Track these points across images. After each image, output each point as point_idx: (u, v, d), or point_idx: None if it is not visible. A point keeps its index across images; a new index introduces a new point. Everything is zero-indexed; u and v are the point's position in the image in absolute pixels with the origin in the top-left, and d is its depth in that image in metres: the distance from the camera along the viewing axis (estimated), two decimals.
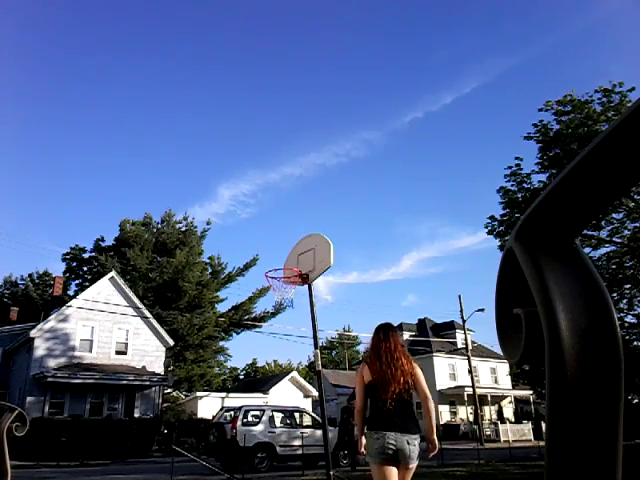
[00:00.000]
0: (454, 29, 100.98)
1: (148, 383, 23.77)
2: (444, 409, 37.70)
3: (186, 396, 33.29)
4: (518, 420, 36.43)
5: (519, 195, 17.60)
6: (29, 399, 21.77)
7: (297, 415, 16.57)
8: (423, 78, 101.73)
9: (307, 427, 15.98)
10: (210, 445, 15.71)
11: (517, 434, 31.96)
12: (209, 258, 39.48)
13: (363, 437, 3.84)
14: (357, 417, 3.91)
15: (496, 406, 38.78)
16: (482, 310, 30.86)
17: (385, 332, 3.98)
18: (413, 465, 3.66)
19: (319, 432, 14.32)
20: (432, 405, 3.86)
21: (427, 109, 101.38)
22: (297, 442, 15.04)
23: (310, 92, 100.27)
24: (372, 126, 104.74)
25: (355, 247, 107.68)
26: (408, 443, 3.60)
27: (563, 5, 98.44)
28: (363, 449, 3.85)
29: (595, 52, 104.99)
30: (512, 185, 17.79)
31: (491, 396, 37.72)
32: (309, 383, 36.25)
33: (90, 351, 24.04)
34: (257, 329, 41.75)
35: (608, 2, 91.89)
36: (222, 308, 38.92)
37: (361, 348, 76.38)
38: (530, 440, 30.69)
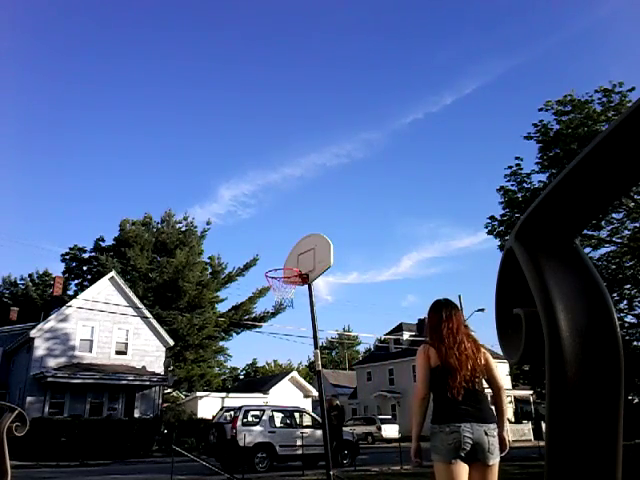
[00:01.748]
0: (455, 30, 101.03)
1: (148, 383, 23.77)
2: None
3: (186, 396, 33.28)
4: (518, 420, 36.43)
5: (519, 195, 17.61)
6: (29, 399, 21.76)
7: (297, 415, 16.57)
8: (424, 79, 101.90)
9: (307, 427, 15.97)
10: (210, 445, 15.71)
11: (517, 434, 31.97)
12: (209, 258, 39.51)
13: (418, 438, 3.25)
14: (419, 407, 3.24)
15: None
16: (482, 310, 30.84)
17: (448, 310, 3.38)
18: (494, 461, 3.11)
19: (319, 432, 14.32)
20: (506, 399, 3.48)
21: (427, 110, 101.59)
22: (297, 442, 15.03)
23: (310, 93, 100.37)
24: (372, 127, 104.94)
25: (355, 247, 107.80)
26: (486, 434, 3.10)
27: (563, 6, 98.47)
28: (414, 450, 3.25)
29: (595, 53, 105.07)
30: (512, 185, 17.81)
31: (491, 396, 37.63)
32: (309, 383, 36.24)
33: (90, 351, 24.03)
34: (257, 329, 41.80)
35: (608, 3, 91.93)
36: (222, 308, 38.97)
37: (361, 348, 76.50)
38: (530, 440, 30.71)
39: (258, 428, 15.05)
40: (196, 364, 36.49)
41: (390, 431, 33.35)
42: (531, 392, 33.41)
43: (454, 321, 3.34)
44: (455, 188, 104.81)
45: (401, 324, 44.07)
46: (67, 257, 40.43)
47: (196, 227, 39.65)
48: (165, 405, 27.34)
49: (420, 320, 44.81)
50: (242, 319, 37.52)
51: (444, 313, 3.36)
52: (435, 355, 3.25)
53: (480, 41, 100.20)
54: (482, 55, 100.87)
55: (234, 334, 39.41)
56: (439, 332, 3.30)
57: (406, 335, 42.45)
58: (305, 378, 42.61)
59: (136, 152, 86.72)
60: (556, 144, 16.84)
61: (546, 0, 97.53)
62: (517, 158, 17.47)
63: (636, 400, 23.45)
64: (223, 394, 31.71)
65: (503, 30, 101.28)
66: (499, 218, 18.18)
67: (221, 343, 39.87)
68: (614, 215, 16.78)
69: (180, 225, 39.38)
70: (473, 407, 3.19)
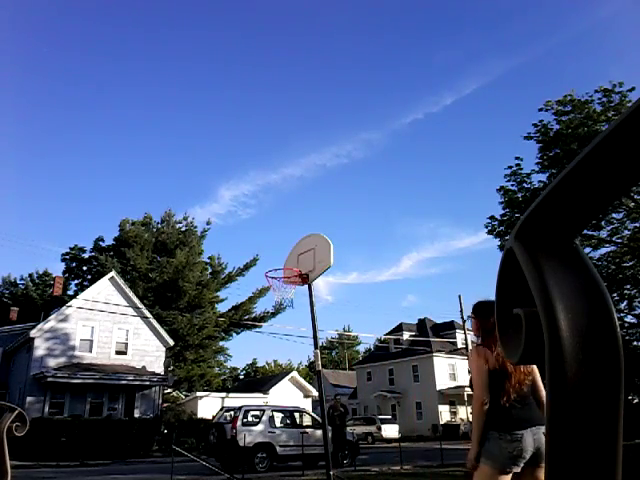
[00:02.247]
0: (455, 31, 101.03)
1: (148, 383, 23.77)
2: (444, 409, 37.70)
3: (186, 396, 33.29)
4: None
5: (519, 195, 17.62)
6: (29, 399, 21.76)
7: (297, 415, 16.57)
8: (424, 79, 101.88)
9: (307, 427, 15.98)
10: (210, 445, 15.71)
11: None
12: (209, 258, 39.51)
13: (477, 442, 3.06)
14: (481, 413, 3.08)
15: None
16: None
17: None
18: None
19: (319, 432, 14.32)
20: None
21: (427, 110, 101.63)
22: (297, 442, 15.04)
23: (310, 93, 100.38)
24: (373, 127, 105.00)
25: (355, 247, 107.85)
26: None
27: (564, 7, 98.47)
28: (474, 455, 3.07)
29: (596, 54, 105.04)
30: (512, 185, 17.82)
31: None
32: (309, 383, 36.24)
33: (90, 351, 24.04)
34: (257, 329, 41.82)
35: (609, 3, 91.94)
36: (222, 308, 38.98)
37: (361, 348, 76.46)
38: None
39: (258, 428, 15.05)
40: (196, 364, 36.49)
41: (390, 431, 33.34)
42: None
43: None
44: (455, 188, 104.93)
45: (401, 324, 44.06)
46: (67, 257, 40.45)
47: (196, 227, 39.69)
48: (165, 405, 27.34)
49: (420, 320, 44.82)
50: (242, 319, 37.52)
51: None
52: (492, 358, 3.14)
53: (480, 41, 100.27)
54: (482, 55, 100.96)
55: (234, 334, 39.45)
56: (494, 335, 3.14)
57: (406, 335, 42.45)
58: (305, 378, 42.61)
59: (136, 152, 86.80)
60: (556, 144, 16.84)
61: (546, 1, 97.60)
62: (517, 158, 17.49)
63: (636, 400, 23.46)
64: (223, 394, 31.72)
65: (503, 31, 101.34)
66: (499, 218, 18.19)
67: (221, 343, 39.89)
68: (614, 215, 16.79)
69: (180, 225, 39.41)
70: (529, 411, 3.12)
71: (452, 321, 41.45)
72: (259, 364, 69.73)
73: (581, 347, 0.56)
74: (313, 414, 17.28)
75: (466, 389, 34.92)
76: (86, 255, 40.24)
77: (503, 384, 3.10)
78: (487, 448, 3.03)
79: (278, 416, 16.03)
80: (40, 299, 39.44)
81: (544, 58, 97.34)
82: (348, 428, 17.64)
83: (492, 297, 0.76)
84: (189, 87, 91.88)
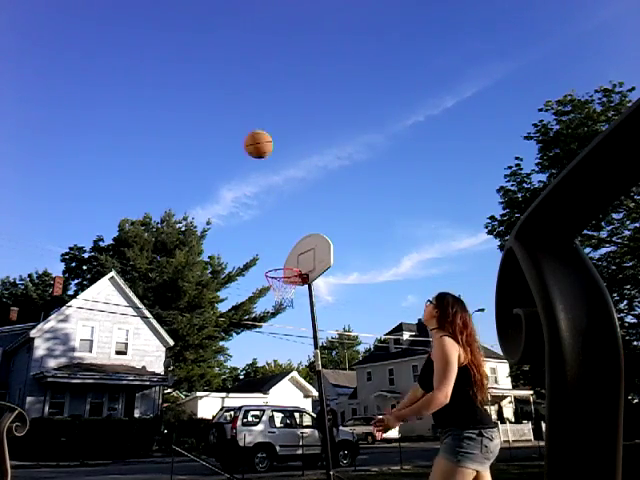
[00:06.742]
0: (455, 33, 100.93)
1: (148, 383, 23.76)
2: None
3: (186, 396, 33.28)
4: (518, 420, 36.44)
5: (519, 195, 17.62)
6: (29, 399, 21.76)
7: (297, 415, 16.57)
8: (425, 82, 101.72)
9: (307, 427, 15.97)
10: (210, 445, 15.71)
11: (517, 434, 31.97)
12: (209, 258, 39.50)
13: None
14: (437, 407, 2.82)
15: (496, 406, 38.79)
16: (482, 310, 30.81)
17: (464, 306, 3.06)
18: None
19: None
20: None
21: (428, 113, 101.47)
22: (297, 442, 15.03)
23: (311, 95, 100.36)
24: (374, 129, 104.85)
25: (356, 248, 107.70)
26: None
27: (564, 9, 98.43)
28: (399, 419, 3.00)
29: (595, 55, 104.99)
30: (512, 185, 17.82)
31: (491, 396, 37.74)
32: (309, 383, 36.22)
33: (90, 351, 24.03)
34: (257, 329, 41.79)
35: (609, 6, 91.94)
36: (222, 308, 38.95)
37: (361, 348, 76.45)
38: (530, 440, 30.70)
39: (258, 428, 15.05)
40: (196, 364, 36.49)
41: (390, 431, 33.29)
42: (531, 392, 33.43)
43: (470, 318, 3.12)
44: (455, 189, 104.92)
45: (401, 324, 44.07)
46: (67, 257, 40.45)
47: (196, 227, 39.68)
48: (165, 405, 27.34)
49: (420, 320, 44.83)
50: (242, 319, 37.51)
51: (462, 307, 3.12)
52: (462, 351, 2.91)
53: (481, 44, 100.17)
54: (482, 58, 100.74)
55: (234, 334, 39.43)
56: (469, 327, 3.01)
57: (406, 335, 42.45)
58: (305, 378, 42.59)
59: (136, 152, 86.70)
60: (556, 144, 16.85)
61: (547, 3, 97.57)
62: (517, 158, 17.49)
63: (636, 400, 23.46)
64: (223, 394, 31.70)
65: (504, 33, 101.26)
66: (499, 218, 18.19)
67: (221, 343, 39.87)
68: (614, 215, 16.79)
69: (180, 225, 39.40)
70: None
71: None
72: (259, 364, 69.69)
73: (581, 347, 0.56)
74: (313, 414, 17.28)
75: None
76: (86, 255, 40.24)
77: (478, 379, 2.86)
78: (469, 450, 2.75)
79: (278, 416, 16.02)
80: (40, 299, 39.43)
81: (544, 60, 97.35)
82: (348, 428, 17.64)
83: (492, 298, 0.77)
84: (191, 87, 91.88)
